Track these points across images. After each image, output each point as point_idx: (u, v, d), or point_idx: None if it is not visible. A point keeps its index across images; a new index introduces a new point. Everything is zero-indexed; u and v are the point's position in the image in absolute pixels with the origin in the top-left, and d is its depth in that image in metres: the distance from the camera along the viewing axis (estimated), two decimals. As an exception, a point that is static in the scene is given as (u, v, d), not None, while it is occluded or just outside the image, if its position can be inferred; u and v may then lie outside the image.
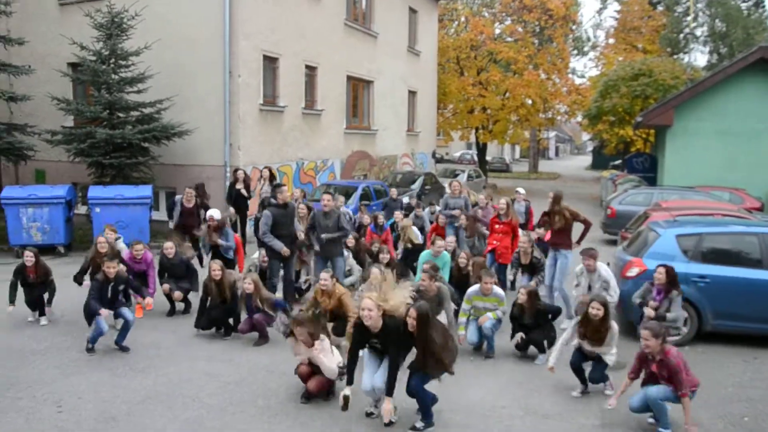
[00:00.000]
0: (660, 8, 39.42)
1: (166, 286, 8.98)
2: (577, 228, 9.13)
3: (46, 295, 8.77)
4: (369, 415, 5.90)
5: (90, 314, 7.58)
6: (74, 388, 6.47)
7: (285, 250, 9.03)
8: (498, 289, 7.82)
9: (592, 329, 6.40)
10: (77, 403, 6.12)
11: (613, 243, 14.44)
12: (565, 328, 7.27)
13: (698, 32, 38.25)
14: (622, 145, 35.84)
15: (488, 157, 39.09)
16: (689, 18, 37.45)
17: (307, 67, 17.47)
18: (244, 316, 8.15)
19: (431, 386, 5.75)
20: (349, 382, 5.74)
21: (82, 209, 14.74)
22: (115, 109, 14.19)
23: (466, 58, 31.92)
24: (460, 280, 8.79)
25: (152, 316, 9.01)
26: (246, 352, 7.67)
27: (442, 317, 7.30)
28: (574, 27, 36.76)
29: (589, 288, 8.03)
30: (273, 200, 9.46)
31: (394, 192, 14.36)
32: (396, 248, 11.42)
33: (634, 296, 7.88)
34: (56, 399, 6.21)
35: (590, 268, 8.01)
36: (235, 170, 13.12)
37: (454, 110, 33.31)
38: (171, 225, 10.39)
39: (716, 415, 6.18)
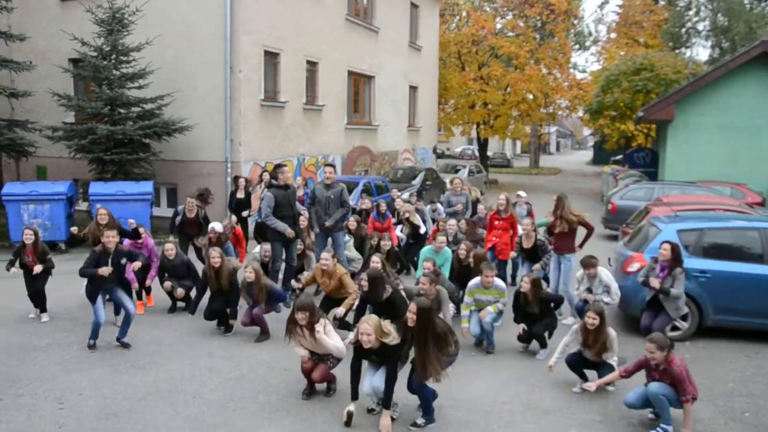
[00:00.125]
0: (662, 2, 39.25)
1: (168, 284, 8.96)
2: (581, 230, 9.15)
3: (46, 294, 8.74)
4: (370, 411, 5.91)
5: (90, 281, 7.43)
6: (75, 385, 6.48)
7: (289, 231, 9.01)
8: (499, 282, 7.83)
9: (591, 338, 6.42)
10: (78, 400, 6.13)
11: (614, 238, 14.43)
12: (568, 324, 7.28)
13: (700, 26, 38.13)
14: (624, 140, 35.77)
15: (489, 153, 39.07)
16: (691, 12, 37.30)
17: (308, 62, 17.45)
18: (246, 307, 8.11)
19: (431, 382, 5.75)
20: (354, 398, 5.71)
21: (83, 205, 14.74)
22: (116, 105, 14.19)
23: (467, 53, 31.87)
24: (461, 272, 8.78)
25: (153, 313, 9.03)
26: (247, 348, 7.68)
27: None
28: (575, 22, 36.64)
29: (590, 291, 8.02)
30: (274, 181, 9.40)
31: (395, 192, 14.29)
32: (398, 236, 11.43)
33: (638, 275, 7.89)
34: (57, 396, 6.22)
35: (591, 275, 8.00)
36: (236, 178, 12.75)
37: (455, 105, 33.27)
38: (171, 237, 10.13)
39: (717, 410, 6.19)
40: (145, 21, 14.37)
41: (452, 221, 9.12)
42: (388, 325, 5.57)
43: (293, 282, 9.05)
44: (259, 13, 15.20)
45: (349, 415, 5.64)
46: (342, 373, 6.11)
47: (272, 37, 15.75)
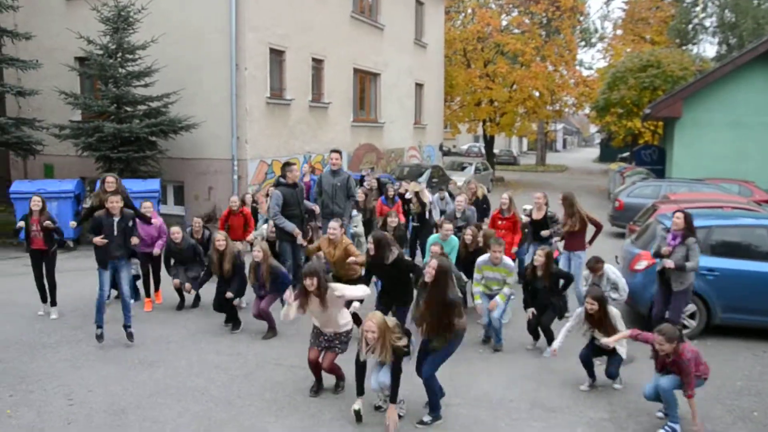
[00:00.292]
0: (668, -1, 39.13)
1: (177, 281, 8.97)
2: (590, 228, 9.15)
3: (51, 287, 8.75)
4: (378, 408, 5.91)
5: (96, 249, 7.37)
6: (84, 381, 6.51)
7: (297, 231, 9.00)
8: (507, 259, 7.83)
9: (595, 323, 6.41)
10: (87, 396, 6.16)
11: (621, 236, 14.38)
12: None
13: (707, 23, 37.92)
14: (630, 138, 35.61)
15: (495, 150, 38.99)
16: (698, 8, 37.13)
17: (313, 60, 17.45)
18: (250, 298, 8.09)
19: (440, 376, 5.76)
20: (360, 393, 5.74)
21: (90, 203, 14.78)
22: (123, 103, 14.23)
23: (472, 50, 31.79)
24: (466, 258, 8.77)
25: (162, 310, 9.07)
26: (254, 345, 7.69)
27: None
28: (581, 18, 36.54)
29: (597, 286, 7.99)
30: (282, 179, 9.38)
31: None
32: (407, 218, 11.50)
33: (652, 249, 7.86)
34: (67, 392, 6.25)
35: (598, 276, 7.91)
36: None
37: (461, 103, 33.19)
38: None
39: (725, 409, 6.17)
40: (150, 19, 14.39)
41: (449, 225, 9.18)
42: (392, 321, 5.59)
43: (299, 239, 9.03)
44: (264, 10, 15.21)
45: (357, 413, 5.66)
46: (348, 366, 6.12)
47: (277, 34, 15.75)
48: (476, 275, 7.85)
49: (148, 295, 9.23)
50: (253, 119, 15.09)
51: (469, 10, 34.49)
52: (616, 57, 35.70)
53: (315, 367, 6.23)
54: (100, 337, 7.48)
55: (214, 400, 6.14)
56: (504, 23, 33.54)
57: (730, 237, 8.45)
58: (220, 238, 8.16)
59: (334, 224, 7.79)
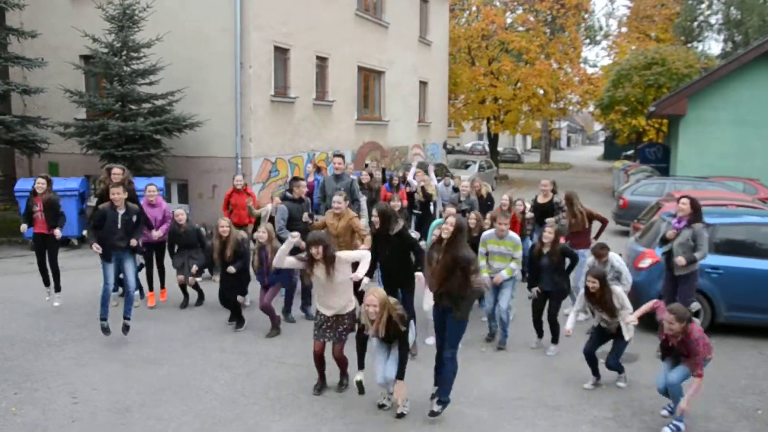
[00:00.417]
0: (673, -4, 38.99)
1: (181, 276, 8.97)
2: (595, 225, 9.15)
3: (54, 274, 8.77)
4: (381, 407, 5.92)
5: (99, 241, 7.27)
6: (89, 379, 6.53)
7: (303, 245, 9.01)
8: (513, 234, 7.80)
9: (597, 301, 6.37)
10: (92, 394, 6.18)
11: (626, 234, 14.36)
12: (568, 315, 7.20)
13: (712, 20, 37.81)
14: (635, 135, 35.53)
15: (500, 148, 38.92)
16: (703, 6, 37.02)
17: (318, 58, 17.44)
18: (254, 298, 8.09)
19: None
20: (360, 367, 5.84)
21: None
22: (127, 101, 14.25)
23: (477, 48, 31.75)
24: (470, 243, 8.71)
25: (166, 308, 9.09)
26: (258, 344, 7.71)
27: None
28: (586, 16, 36.41)
29: None
30: (288, 194, 9.43)
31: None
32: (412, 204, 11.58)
33: (659, 238, 7.82)
34: (71, 390, 6.27)
35: (602, 262, 7.88)
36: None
37: (465, 100, 33.17)
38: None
39: (729, 407, 6.16)
40: (155, 17, 14.40)
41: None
42: (393, 301, 5.65)
43: (305, 215, 9.05)
44: (268, 8, 15.20)
45: (359, 384, 5.75)
46: (351, 370, 6.14)
47: (282, 32, 15.75)
48: (481, 249, 7.71)
49: (151, 288, 9.23)
50: (257, 117, 15.10)
51: (474, 8, 34.43)
52: (620, 54, 35.61)
53: (319, 360, 6.22)
54: (106, 330, 7.46)
55: (218, 398, 6.16)
56: (509, 21, 33.51)
57: (735, 235, 8.43)
58: (223, 224, 8.11)
59: (338, 198, 7.82)
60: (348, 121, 19.36)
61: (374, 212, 7.01)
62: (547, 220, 9.33)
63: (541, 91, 31.43)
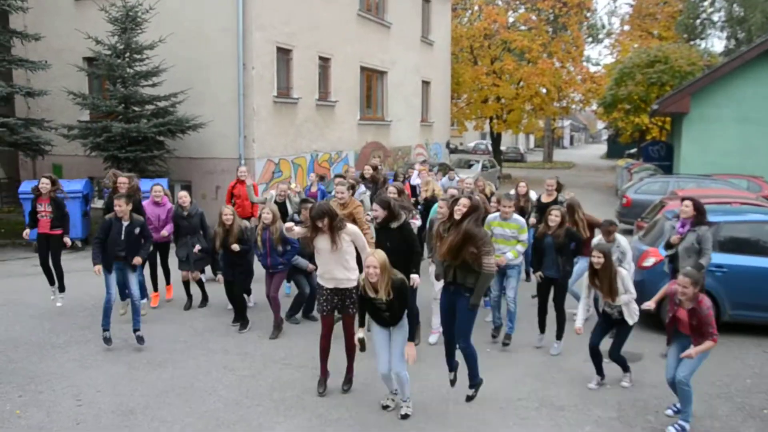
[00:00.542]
0: (676, -7, 38.91)
1: (185, 272, 8.92)
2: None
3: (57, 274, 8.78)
4: (385, 408, 5.92)
5: (101, 252, 7.31)
6: (93, 382, 6.54)
7: (310, 267, 8.93)
8: (518, 216, 7.75)
9: (600, 278, 6.24)
10: (96, 397, 6.19)
11: (629, 233, 14.32)
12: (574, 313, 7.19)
13: (715, 17, 37.72)
14: (638, 134, 35.46)
15: (502, 147, 38.90)
16: (706, 3, 36.93)
17: (320, 58, 17.45)
18: (257, 298, 8.07)
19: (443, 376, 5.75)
20: (362, 324, 5.83)
21: (98, 203, 14.84)
22: (131, 102, 14.28)
23: (479, 47, 31.73)
24: None
25: (169, 309, 9.09)
26: (261, 345, 7.71)
27: None
28: (588, 14, 36.37)
29: None
30: (297, 216, 9.39)
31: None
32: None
33: (663, 242, 7.78)
34: (75, 392, 6.28)
35: (609, 240, 7.76)
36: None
37: (467, 100, 33.16)
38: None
39: (735, 406, 6.14)
40: (157, 19, 14.43)
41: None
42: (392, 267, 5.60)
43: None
44: (271, 9, 15.22)
45: (361, 341, 5.72)
46: (354, 372, 6.14)
47: (284, 33, 15.77)
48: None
49: (155, 288, 9.23)
50: (260, 118, 15.11)
51: (476, 8, 34.42)
52: (623, 53, 35.57)
53: (324, 353, 6.22)
54: (107, 340, 7.45)
55: (222, 400, 6.16)
56: (511, 20, 33.46)
57: (739, 233, 8.39)
58: (227, 212, 8.06)
59: (341, 188, 7.79)
60: (351, 122, 19.37)
61: (375, 205, 6.98)
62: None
63: (544, 90, 31.37)
